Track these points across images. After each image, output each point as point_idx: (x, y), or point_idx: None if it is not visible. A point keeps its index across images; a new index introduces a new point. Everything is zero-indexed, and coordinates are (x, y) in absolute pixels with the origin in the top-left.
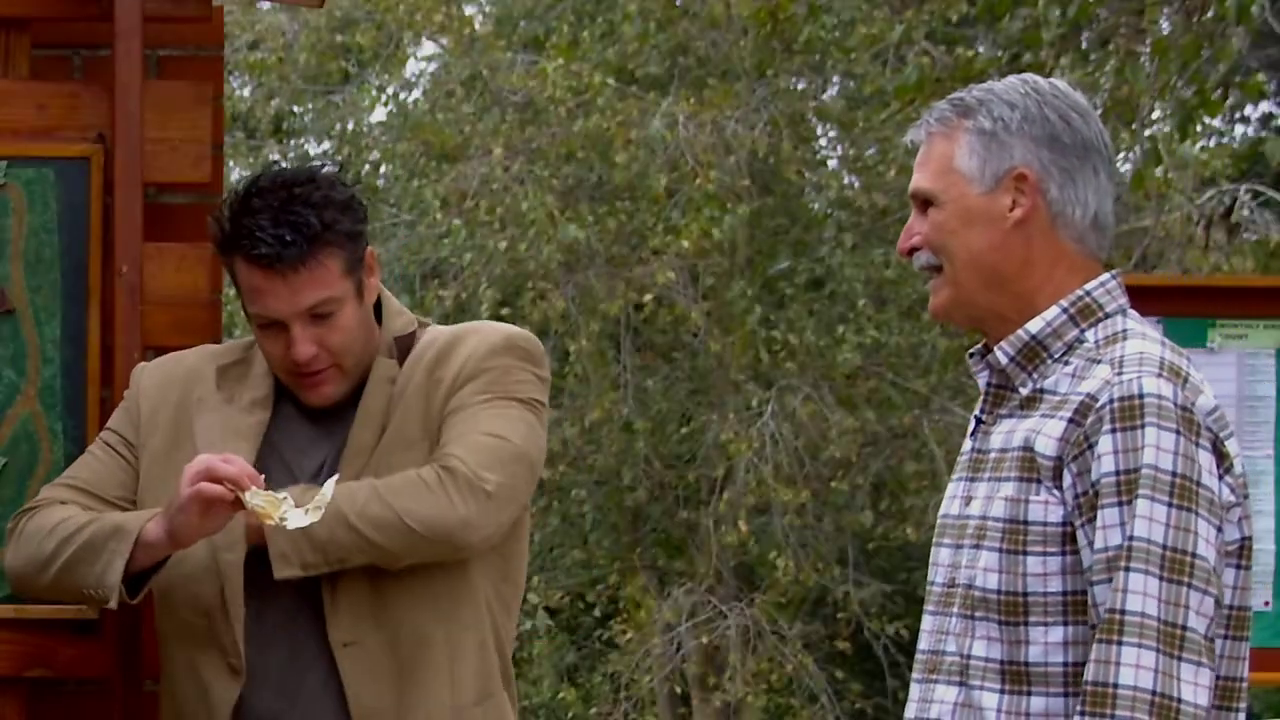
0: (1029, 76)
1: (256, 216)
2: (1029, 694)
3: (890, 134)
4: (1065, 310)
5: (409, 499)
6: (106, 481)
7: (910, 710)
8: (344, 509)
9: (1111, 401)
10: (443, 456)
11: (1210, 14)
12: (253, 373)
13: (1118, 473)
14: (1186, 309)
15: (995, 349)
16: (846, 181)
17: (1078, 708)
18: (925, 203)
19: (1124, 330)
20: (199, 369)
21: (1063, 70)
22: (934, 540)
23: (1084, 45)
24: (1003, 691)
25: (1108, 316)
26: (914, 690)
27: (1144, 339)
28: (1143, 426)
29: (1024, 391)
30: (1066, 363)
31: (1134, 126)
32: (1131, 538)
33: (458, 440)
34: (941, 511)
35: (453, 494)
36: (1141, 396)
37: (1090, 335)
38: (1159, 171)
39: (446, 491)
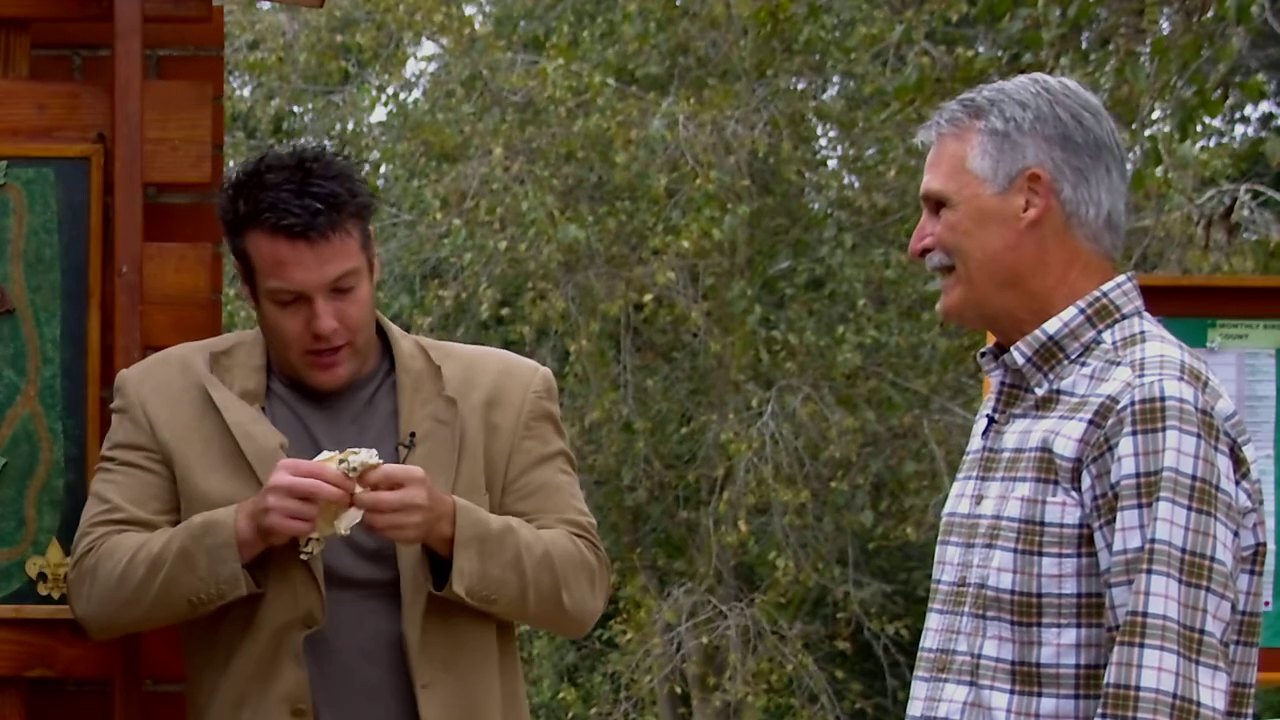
0: (1039, 76)
1: (278, 190)
2: (1039, 695)
3: (890, 134)
4: (1082, 311)
5: (574, 581)
6: (141, 498)
7: (915, 708)
8: (524, 561)
9: (1133, 404)
10: (588, 539)
11: (1210, 14)
12: (242, 364)
13: (1138, 475)
14: (1186, 309)
15: (1011, 349)
16: (846, 181)
17: (1099, 710)
18: (937, 204)
19: (1142, 332)
20: (188, 357)
21: (1063, 70)
22: (940, 538)
23: (1084, 45)
24: (1013, 692)
25: (1124, 318)
26: (919, 688)
27: (1163, 341)
28: (1164, 429)
29: (1039, 392)
30: (1084, 364)
31: (1134, 126)
32: (1153, 540)
33: (585, 525)
34: (948, 509)
35: (599, 588)
36: (1163, 399)
37: (1107, 337)
38: (1159, 171)
39: (596, 584)
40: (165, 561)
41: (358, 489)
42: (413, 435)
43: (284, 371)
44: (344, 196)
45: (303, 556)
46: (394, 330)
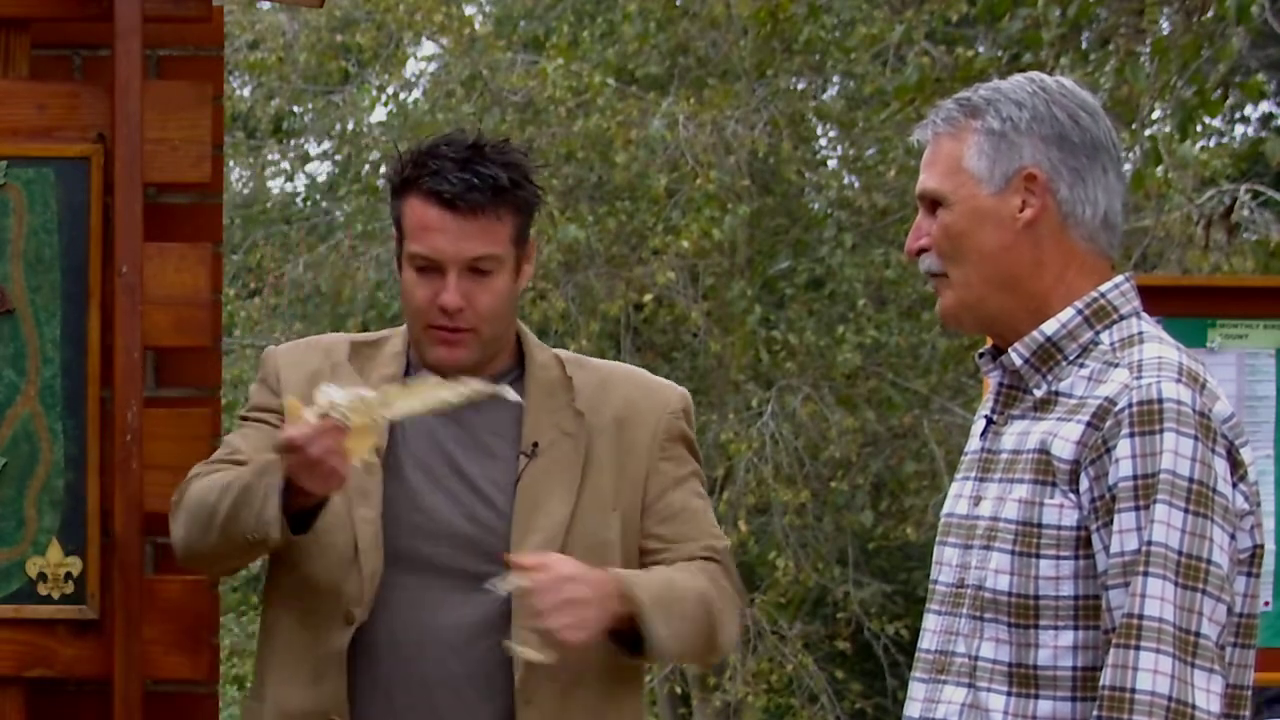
0: (1036, 75)
1: (443, 159)
2: (1037, 697)
3: (890, 134)
4: (1080, 312)
5: (723, 617)
6: (265, 449)
7: (913, 709)
8: (689, 611)
9: (1130, 406)
10: (723, 565)
11: (1210, 14)
12: (383, 353)
13: (1135, 477)
14: (1186, 309)
15: (1009, 350)
16: (846, 181)
17: (1095, 712)
18: (934, 203)
19: (1139, 333)
20: (333, 345)
21: (1063, 70)
22: (938, 539)
23: (1084, 45)
24: (1010, 694)
25: (1122, 319)
26: (917, 689)
27: (1160, 343)
28: (1161, 431)
29: (1038, 393)
30: (1081, 365)
31: (1134, 126)
32: (1149, 543)
33: (720, 550)
34: (946, 510)
35: (738, 618)
36: (1161, 401)
37: (1105, 338)
38: (1159, 171)
39: (737, 615)
40: (234, 491)
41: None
42: (535, 445)
43: (419, 356)
44: (505, 183)
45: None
46: (531, 339)
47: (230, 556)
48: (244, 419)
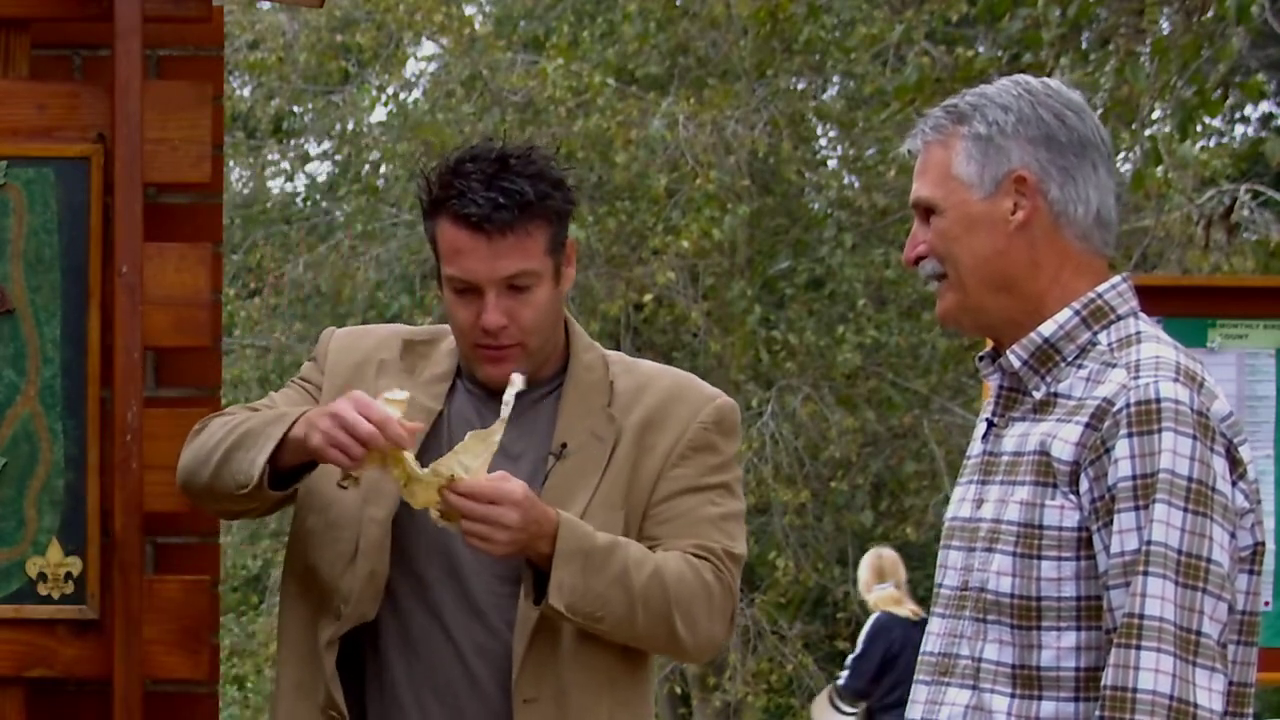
0: (1021, 78)
1: (469, 179)
2: (1040, 698)
3: (890, 134)
4: (1077, 313)
5: (688, 603)
6: (290, 405)
7: (915, 711)
8: (632, 578)
9: (1128, 406)
10: (712, 563)
11: (1210, 14)
12: (438, 351)
13: (1134, 477)
14: (1186, 309)
15: (1007, 352)
16: (846, 181)
17: (1097, 712)
18: (927, 211)
19: (1137, 333)
20: (387, 339)
21: (1063, 70)
22: (942, 542)
23: (1084, 45)
24: (1013, 695)
25: (1120, 319)
26: (920, 691)
27: (1158, 342)
28: (1159, 431)
29: (1037, 395)
30: (1080, 366)
31: (1134, 126)
32: (1149, 542)
33: (714, 550)
34: (950, 514)
35: (717, 612)
36: (1159, 401)
37: (1103, 338)
38: (1159, 171)
39: (714, 608)
40: (238, 433)
41: (449, 495)
42: (564, 446)
43: (469, 373)
44: (530, 196)
45: (339, 486)
46: (580, 341)
47: (217, 497)
48: (292, 383)
